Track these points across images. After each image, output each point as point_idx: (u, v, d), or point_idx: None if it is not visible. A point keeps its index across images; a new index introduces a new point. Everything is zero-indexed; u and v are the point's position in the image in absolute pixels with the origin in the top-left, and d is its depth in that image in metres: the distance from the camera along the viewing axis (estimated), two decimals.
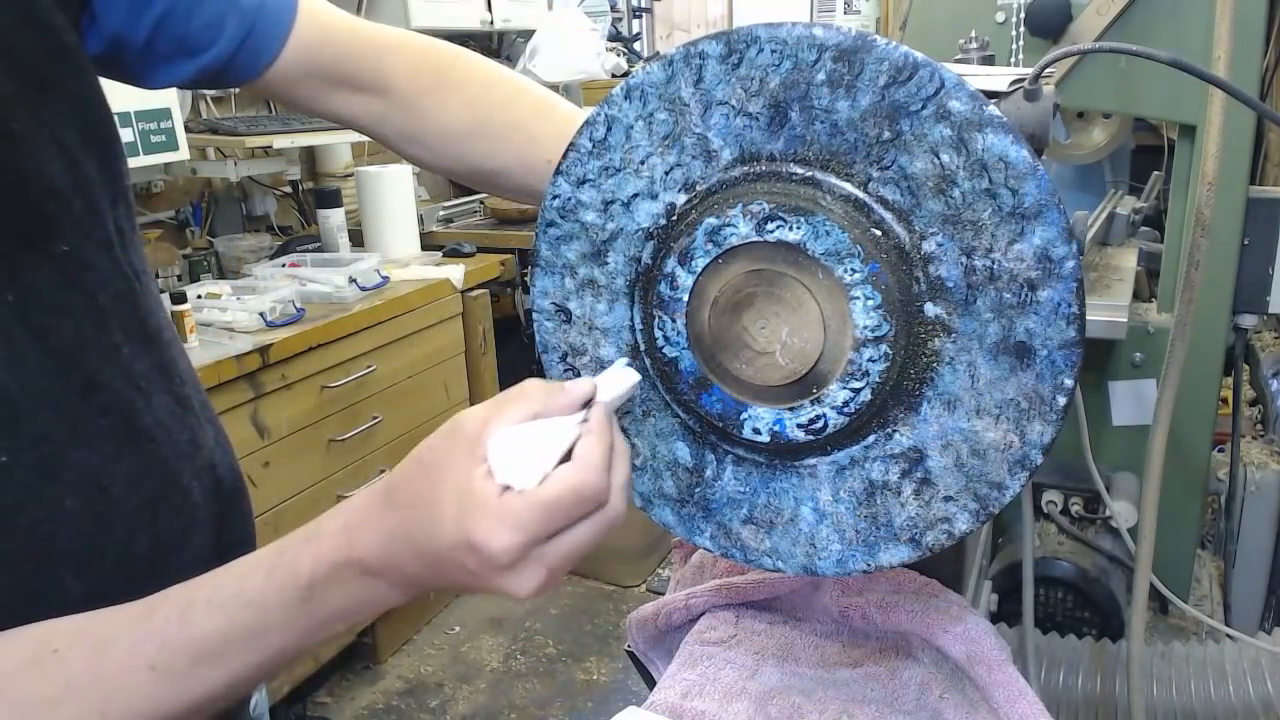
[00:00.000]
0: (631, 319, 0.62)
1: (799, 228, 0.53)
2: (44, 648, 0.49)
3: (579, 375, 0.64)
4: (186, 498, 0.64)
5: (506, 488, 0.47)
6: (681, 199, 0.58)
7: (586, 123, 0.60)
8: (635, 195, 0.59)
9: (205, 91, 2.54)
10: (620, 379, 0.57)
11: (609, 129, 0.59)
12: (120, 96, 1.93)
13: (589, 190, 0.60)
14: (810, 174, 0.54)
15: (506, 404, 0.50)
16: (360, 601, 0.51)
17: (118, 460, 0.59)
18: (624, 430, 0.63)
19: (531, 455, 0.47)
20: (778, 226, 0.54)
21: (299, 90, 0.74)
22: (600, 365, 0.63)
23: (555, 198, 0.62)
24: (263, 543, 0.55)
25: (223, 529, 0.68)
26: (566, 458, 0.49)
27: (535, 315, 0.65)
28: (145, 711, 0.49)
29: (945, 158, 0.52)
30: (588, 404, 0.52)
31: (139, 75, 0.70)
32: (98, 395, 0.58)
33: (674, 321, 0.58)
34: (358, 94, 0.75)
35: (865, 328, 0.53)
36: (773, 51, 0.53)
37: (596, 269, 0.62)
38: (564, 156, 0.61)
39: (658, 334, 0.59)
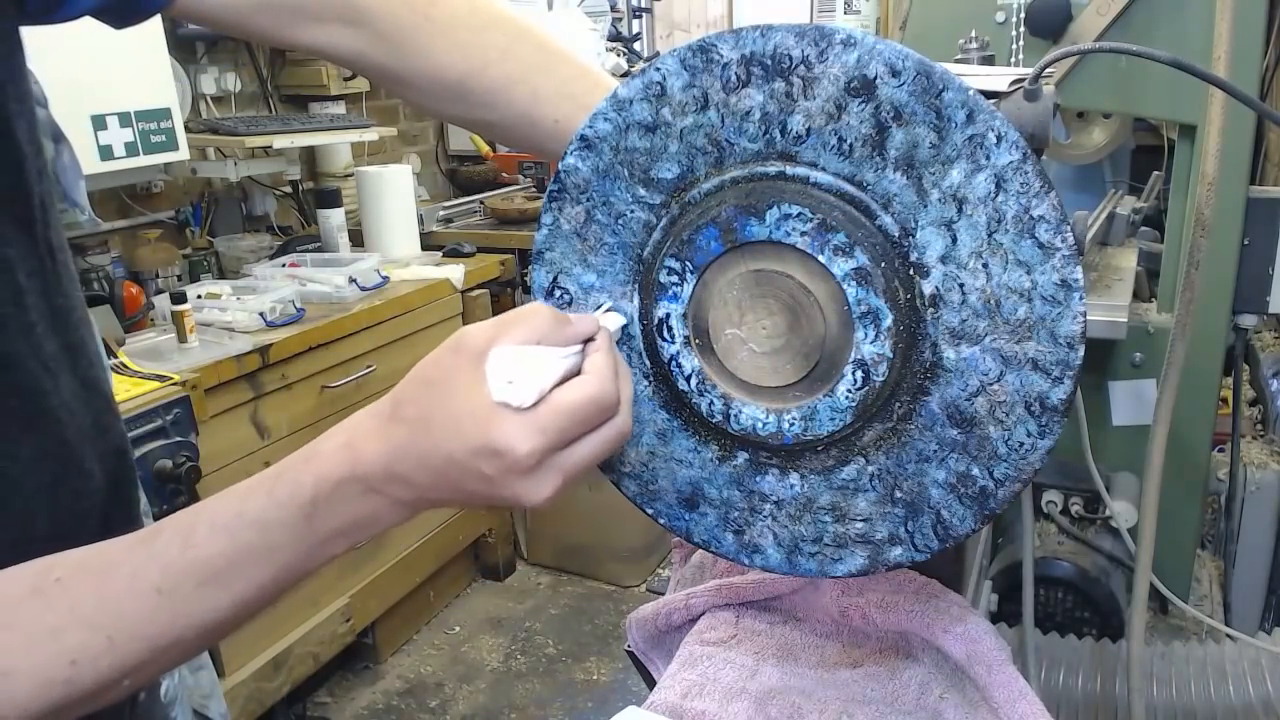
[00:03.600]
0: (632, 313, 0.61)
1: (808, 231, 0.53)
2: (46, 578, 0.49)
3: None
4: (88, 481, 0.62)
5: (504, 404, 0.47)
6: (686, 196, 0.58)
7: (614, 98, 0.59)
8: (644, 186, 0.59)
9: (205, 92, 2.54)
10: (609, 320, 0.59)
11: (635, 111, 0.58)
12: (120, 96, 1.94)
13: (602, 171, 0.60)
14: (837, 185, 0.54)
15: (511, 324, 0.50)
16: (362, 518, 0.51)
17: (20, 442, 0.57)
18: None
19: (531, 375, 0.48)
20: (787, 228, 0.54)
21: (259, 22, 0.70)
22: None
23: (566, 172, 0.61)
24: None
25: (119, 510, 0.67)
26: (563, 384, 0.50)
27: (533, 292, 0.64)
28: (152, 635, 0.49)
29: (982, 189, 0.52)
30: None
31: (45, 6, 0.64)
32: (8, 375, 0.56)
33: (674, 319, 0.58)
34: (327, 25, 0.71)
35: (867, 336, 0.54)
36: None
37: (596, 254, 0.62)
38: (579, 137, 0.60)
39: (658, 335, 0.59)
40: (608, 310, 0.61)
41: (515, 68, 0.72)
